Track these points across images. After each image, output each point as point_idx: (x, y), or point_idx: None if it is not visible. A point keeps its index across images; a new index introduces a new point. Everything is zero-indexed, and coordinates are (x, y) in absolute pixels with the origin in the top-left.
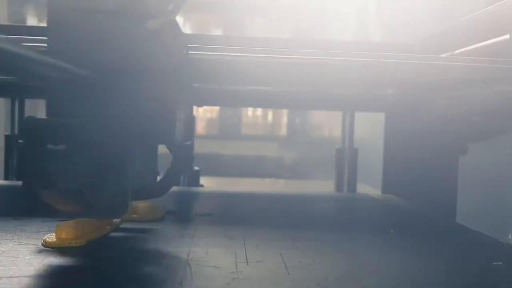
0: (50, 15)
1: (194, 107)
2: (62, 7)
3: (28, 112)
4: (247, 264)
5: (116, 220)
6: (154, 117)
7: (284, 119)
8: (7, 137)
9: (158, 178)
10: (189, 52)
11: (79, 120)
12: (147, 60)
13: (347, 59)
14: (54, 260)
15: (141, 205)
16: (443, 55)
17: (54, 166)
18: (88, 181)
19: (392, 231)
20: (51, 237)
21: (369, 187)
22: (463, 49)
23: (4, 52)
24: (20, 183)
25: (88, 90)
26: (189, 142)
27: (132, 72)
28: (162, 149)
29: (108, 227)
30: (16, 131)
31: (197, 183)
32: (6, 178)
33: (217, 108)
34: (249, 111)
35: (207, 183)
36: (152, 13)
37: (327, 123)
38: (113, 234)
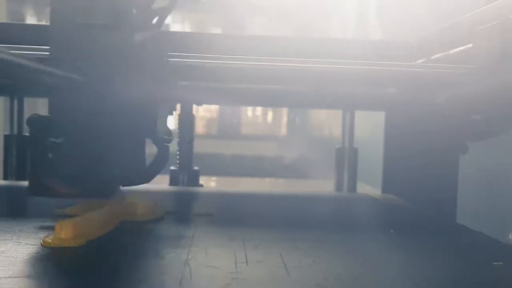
0: (52, 29)
1: (194, 106)
2: (63, 22)
3: (27, 111)
4: (247, 264)
5: (115, 220)
6: (137, 114)
7: (284, 119)
8: (6, 137)
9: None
10: (168, 59)
11: (76, 116)
12: (133, 66)
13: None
14: (53, 260)
15: (141, 205)
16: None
17: (55, 155)
18: (83, 168)
19: (392, 231)
20: (50, 237)
21: (369, 187)
22: (463, 48)
23: (6, 62)
24: (19, 183)
25: (83, 92)
26: (171, 138)
27: (120, 76)
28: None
29: (107, 227)
30: (15, 131)
31: (196, 183)
32: (5, 178)
33: (216, 107)
34: (249, 110)
35: (207, 183)
36: (138, 28)
37: (327, 123)
38: (112, 234)
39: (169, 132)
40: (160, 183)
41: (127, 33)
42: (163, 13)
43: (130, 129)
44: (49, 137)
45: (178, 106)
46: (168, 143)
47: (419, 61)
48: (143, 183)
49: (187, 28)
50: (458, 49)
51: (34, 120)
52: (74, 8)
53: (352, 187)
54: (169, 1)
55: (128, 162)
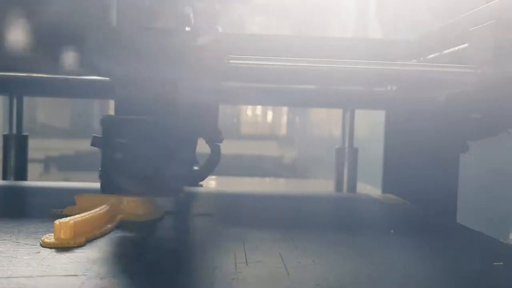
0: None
1: None
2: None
3: (26, 111)
4: (247, 264)
5: (115, 220)
6: (200, 115)
7: (284, 118)
8: (5, 137)
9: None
10: (230, 62)
11: (146, 117)
12: (194, 69)
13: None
14: (53, 260)
15: (140, 205)
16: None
17: (124, 155)
18: (149, 168)
19: (392, 231)
20: (49, 237)
21: (369, 186)
22: (462, 46)
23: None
24: (18, 183)
25: (151, 93)
26: (222, 137)
27: (182, 79)
28: None
29: (106, 227)
30: (14, 131)
31: (196, 183)
32: (4, 178)
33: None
34: (249, 110)
35: (206, 183)
36: (202, 32)
37: (327, 122)
38: (112, 234)
39: (220, 132)
40: None
41: (190, 37)
42: (218, 16)
43: (190, 130)
44: (117, 137)
45: None
46: (220, 143)
47: (419, 60)
48: (199, 182)
49: None
50: (457, 47)
51: (107, 120)
52: (139, 11)
53: (352, 187)
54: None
55: (188, 162)
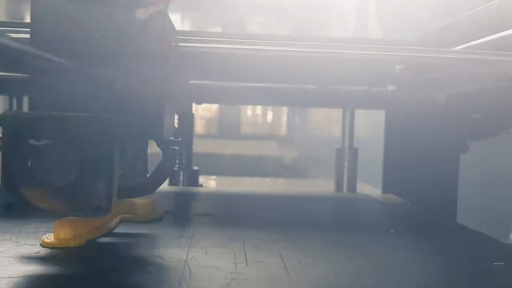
0: (33, 3)
1: (194, 105)
2: None
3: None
4: (247, 264)
5: (115, 220)
6: (142, 111)
7: (284, 118)
8: None
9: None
10: (179, 44)
11: (63, 113)
12: (135, 51)
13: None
14: (53, 260)
15: (140, 205)
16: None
17: (37, 162)
18: (70, 178)
19: (392, 231)
20: (49, 237)
21: (369, 186)
22: (463, 45)
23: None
24: None
25: (72, 81)
26: (179, 139)
27: (118, 63)
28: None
29: (106, 227)
30: None
31: (196, 183)
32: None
33: (216, 107)
34: (249, 110)
35: (207, 183)
36: (141, 2)
37: (327, 122)
38: (111, 234)
39: (175, 133)
40: None
41: (127, 9)
42: None
43: (131, 130)
44: (28, 139)
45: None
46: (175, 145)
47: None
48: (144, 195)
49: (186, 28)
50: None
51: (8, 118)
52: None
53: (352, 187)
54: None
55: (130, 170)
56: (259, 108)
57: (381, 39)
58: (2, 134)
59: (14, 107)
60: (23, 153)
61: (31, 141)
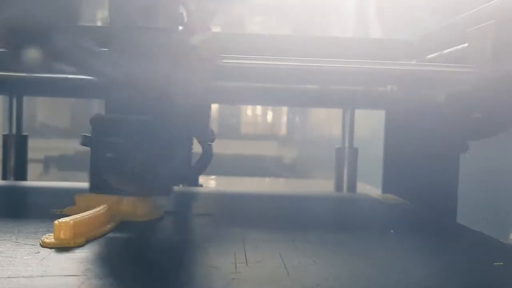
0: (111, 30)
1: None
2: (122, 24)
3: (26, 110)
4: (247, 264)
5: (115, 220)
6: (192, 115)
7: (284, 118)
8: (5, 137)
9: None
10: (222, 61)
11: (136, 117)
12: (188, 70)
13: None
14: (53, 260)
15: (140, 205)
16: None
17: (115, 154)
18: (140, 167)
19: (392, 231)
20: (49, 237)
21: (369, 186)
22: (462, 46)
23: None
24: (18, 183)
25: (140, 93)
26: (214, 136)
27: (175, 77)
28: None
29: (106, 227)
30: (14, 130)
31: (196, 183)
32: (4, 178)
33: (216, 106)
34: (249, 109)
35: (207, 183)
36: (194, 31)
37: (327, 122)
38: (111, 234)
39: (211, 131)
40: None
41: (184, 36)
42: (211, 15)
43: (183, 129)
44: (109, 136)
45: None
46: (211, 142)
47: (419, 60)
48: (191, 182)
49: None
50: (457, 47)
51: (97, 120)
52: (133, 11)
53: (352, 187)
54: (218, 3)
55: (182, 161)
56: (259, 108)
57: (381, 39)
58: (92, 132)
59: (14, 107)
60: (105, 147)
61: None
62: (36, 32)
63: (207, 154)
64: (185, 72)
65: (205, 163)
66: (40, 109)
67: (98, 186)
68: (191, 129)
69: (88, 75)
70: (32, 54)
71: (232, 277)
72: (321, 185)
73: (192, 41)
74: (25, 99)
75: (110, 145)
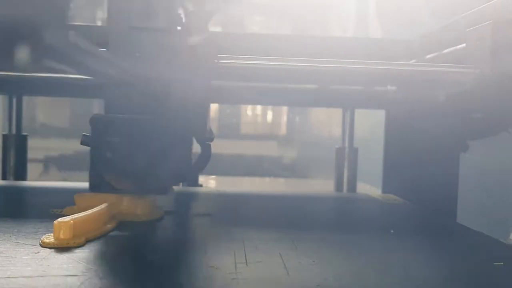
0: (109, 31)
1: None
2: (120, 25)
3: (25, 111)
4: (247, 264)
5: (114, 220)
6: (190, 114)
7: (284, 118)
8: (5, 137)
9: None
10: (220, 61)
11: (134, 116)
12: (186, 68)
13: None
14: (52, 260)
15: (140, 205)
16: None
17: (114, 153)
18: (139, 166)
19: (392, 231)
20: (49, 237)
21: (369, 186)
22: (461, 46)
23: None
24: (18, 183)
25: (138, 92)
26: (213, 135)
27: (173, 78)
28: None
29: (106, 227)
30: (13, 130)
31: (196, 183)
32: (3, 178)
33: (216, 106)
34: (249, 109)
35: (206, 183)
36: (193, 31)
37: (327, 122)
38: (111, 234)
39: (210, 130)
40: None
41: (181, 36)
42: (209, 16)
43: (182, 128)
44: (108, 136)
45: None
46: (210, 141)
47: (419, 60)
48: (190, 181)
49: None
50: (456, 47)
51: (96, 120)
52: (131, 11)
53: (352, 187)
54: (216, 4)
55: (180, 160)
56: (259, 108)
57: (381, 39)
58: (91, 132)
59: (14, 107)
60: (104, 146)
61: (109, 138)
62: (24, 29)
63: (206, 153)
64: (183, 72)
65: (204, 163)
66: (40, 109)
67: (98, 185)
68: (189, 129)
69: (87, 75)
70: (21, 52)
71: (232, 277)
72: (321, 185)
73: (190, 41)
74: (25, 99)
75: (109, 145)
